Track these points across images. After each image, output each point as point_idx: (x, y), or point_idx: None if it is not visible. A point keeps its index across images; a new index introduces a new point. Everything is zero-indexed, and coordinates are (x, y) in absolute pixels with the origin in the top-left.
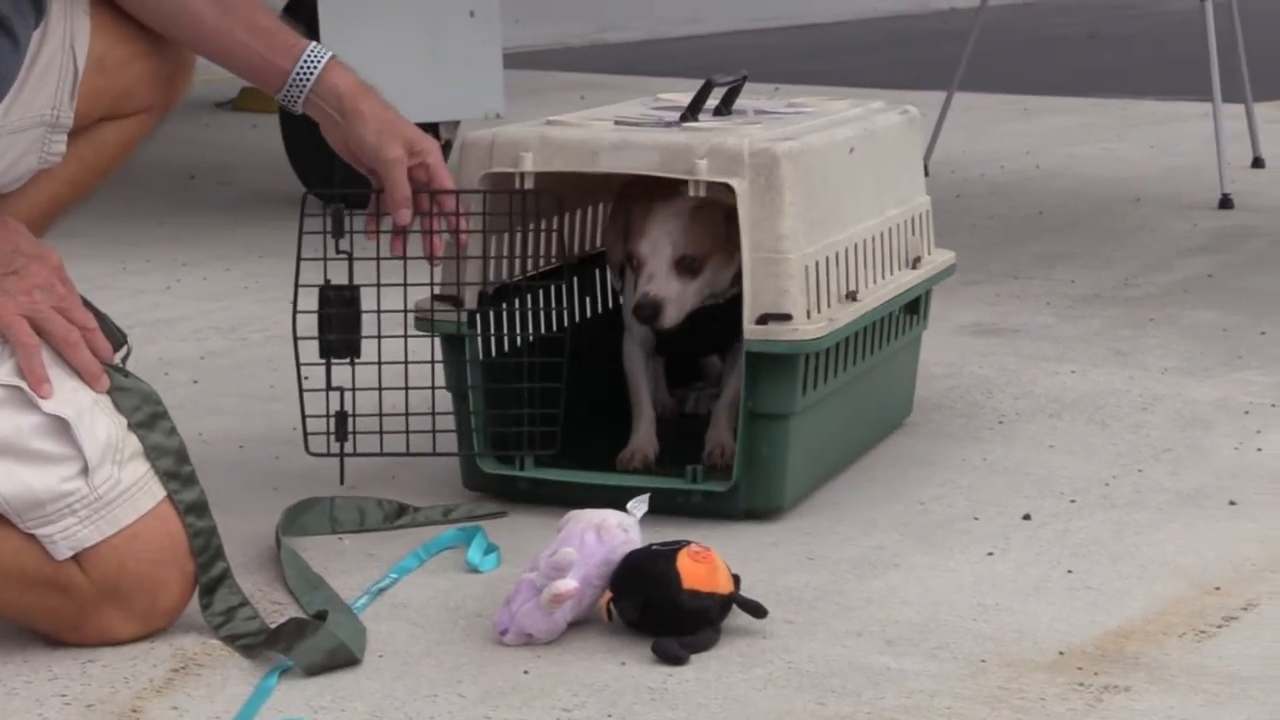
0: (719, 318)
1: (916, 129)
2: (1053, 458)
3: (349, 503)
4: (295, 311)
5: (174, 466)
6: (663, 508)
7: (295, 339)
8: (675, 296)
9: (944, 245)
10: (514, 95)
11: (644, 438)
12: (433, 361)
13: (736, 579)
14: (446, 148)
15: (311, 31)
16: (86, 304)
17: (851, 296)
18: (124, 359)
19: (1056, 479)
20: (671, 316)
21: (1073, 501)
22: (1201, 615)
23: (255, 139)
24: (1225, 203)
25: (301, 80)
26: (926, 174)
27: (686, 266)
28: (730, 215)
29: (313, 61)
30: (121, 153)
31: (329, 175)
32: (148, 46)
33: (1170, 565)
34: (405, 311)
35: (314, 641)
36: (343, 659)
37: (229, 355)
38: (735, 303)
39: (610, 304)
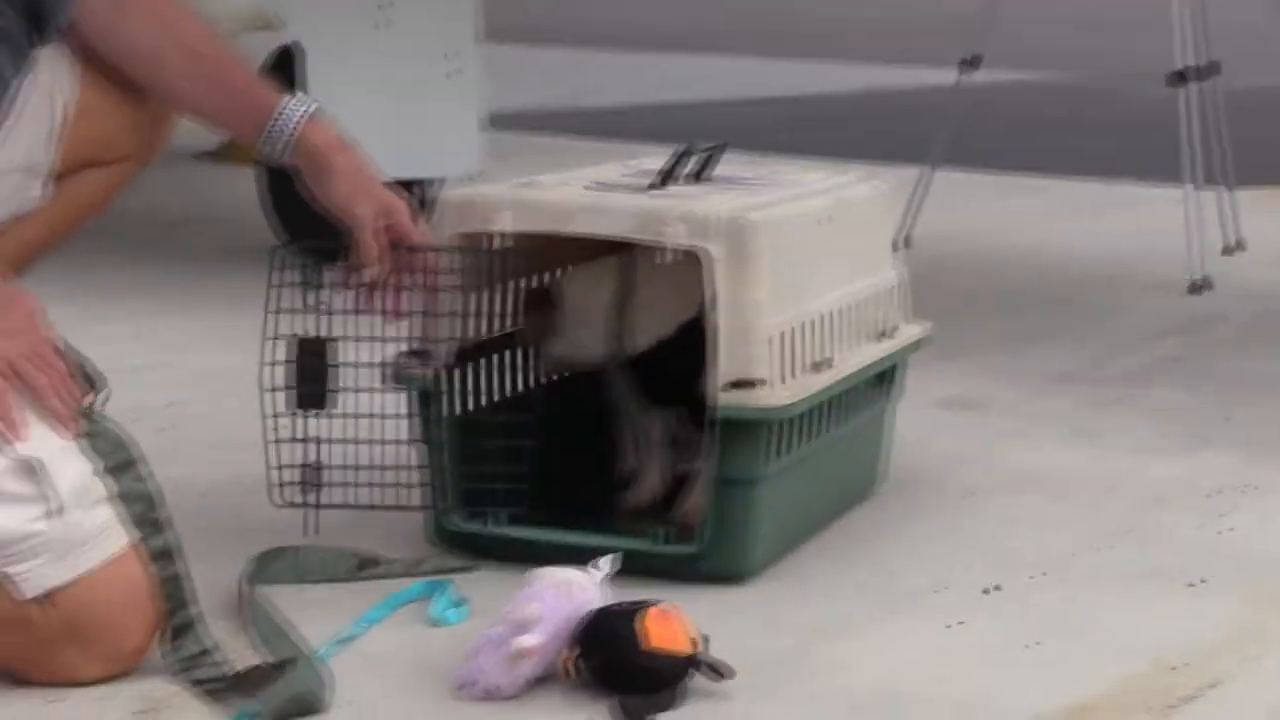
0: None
1: (888, 201)
2: (1019, 532)
3: (317, 552)
4: (263, 362)
5: (145, 511)
6: (630, 568)
7: (261, 390)
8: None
9: (920, 318)
10: (493, 156)
11: (650, 480)
12: (403, 416)
13: (706, 640)
14: (428, 207)
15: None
16: (66, 348)
17: (822, 365)
18: (103, 403)
19: (1022, 553)
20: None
21: (1037, 576)
22: (1164, 692)
23: (234, 191)
24: (1194, 287)
25: (275, 137)
26: (910, 245)
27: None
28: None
29: (287, 118)
30: (100, 200)
31: (306, 228)
32: (129, 97)
33: (1132, 642)
34: (378, 365)
35: (279, 688)
36: (307, 706)
37: (196, 404)
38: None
39: None
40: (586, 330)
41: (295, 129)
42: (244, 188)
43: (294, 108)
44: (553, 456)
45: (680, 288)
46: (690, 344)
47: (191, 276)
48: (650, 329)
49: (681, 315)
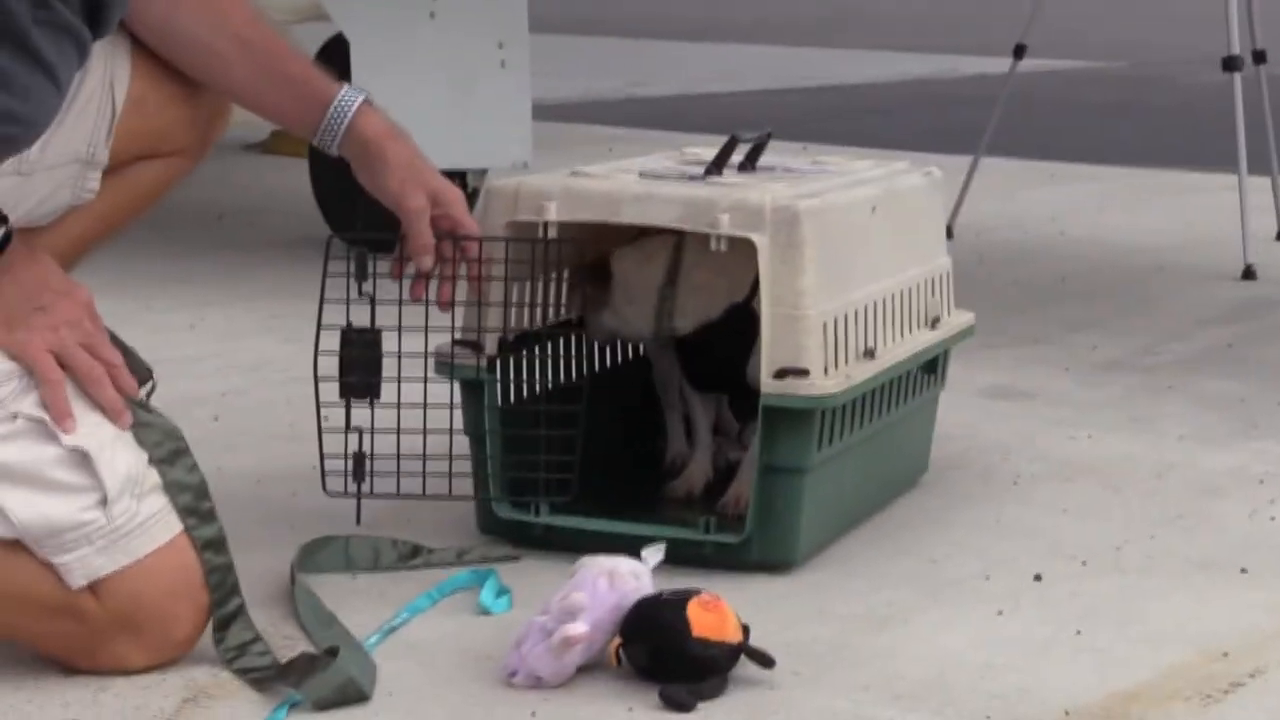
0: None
1: (939, 190)
2: (1065, 521)
3: (364, 542)
4: (317, 352)
5: (193, 502)
6: (675, 556)
7: (316, 379)
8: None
9: (965, 308)
10: (542, 146)
11: (699, 470)
12: (451, 405)
13: (746, 629)
14: (473, 196)
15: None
16: (114, 340)
17: (870, 354)
18: (149, 394)
19: (1068, 542)
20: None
21: (1084, 564)
22: (1209, 680)
23: (283, 182)
24: (1248, 274)
25: (333, 127)
26: (951, 236)
27: None
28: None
29: (344, 108)
30: (154, 192)
31: (346, 218)
32: (185, 90)
33: (1179, 630)
34: (426, 355)
35: (324, 677)
36: (352, 695)
37: (249, 394)
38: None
39: (630, 353)
40: (634, 307)
41: (349, 119)
42: (293, 179)
43: (349, 98)
44: (600, 445)
45: (728, 272)
46: (736, 329)
47: (243, 267)
48: (697, 311)
49: (728, 300)
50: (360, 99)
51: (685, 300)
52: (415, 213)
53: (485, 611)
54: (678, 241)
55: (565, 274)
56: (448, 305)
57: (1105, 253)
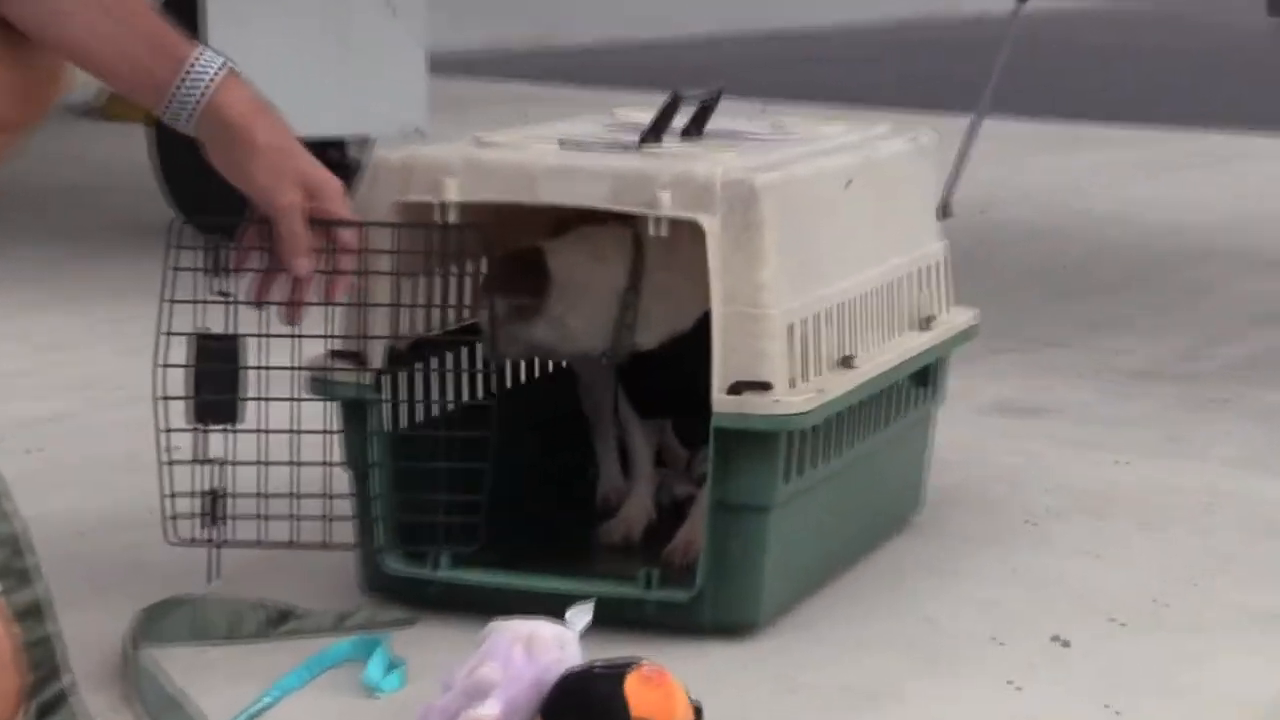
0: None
1: (929, 159)
2: (1093, 568)
3: (220, 605)
4: (159, 365)
5: (8, 559)
6: (610, 618)
7: (158, 400)
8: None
9: (967, 303)
10: (441, 109)
11: (639, 507)
12: (327, 432)
13: (698, 709)
14: (356, 170)
15: (194, 27)
16: None
17: (846, 363)
18: None
19: (1097, 594)
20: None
21: (1117, 622)
22: None
23: (122, 153)
24: None
25: (187, 99)
26: (949, 215)
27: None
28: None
29: (200, 76)
30: None
31: (201, 200)
32: (13, 54)
33: (1235, 701)
34: (295, 369)
35: None
36: None
37: (79, 418)
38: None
39: (550, 365)
40: (582, 318)
41: (208, 93)
42: (134, 149)
43: (206, 64)
44: (514, 480)
45: (698, 272)
46: (705, 343)
47: (71, 260)
48: (665, 321)
49: (702, 306)
50: (222, 67)
51: (651, 308)
52: (287, 210)
53: (373, 690)
54: (635, 233)
55: (469, 268)
56: (296, 310)
57: (1136, 234)
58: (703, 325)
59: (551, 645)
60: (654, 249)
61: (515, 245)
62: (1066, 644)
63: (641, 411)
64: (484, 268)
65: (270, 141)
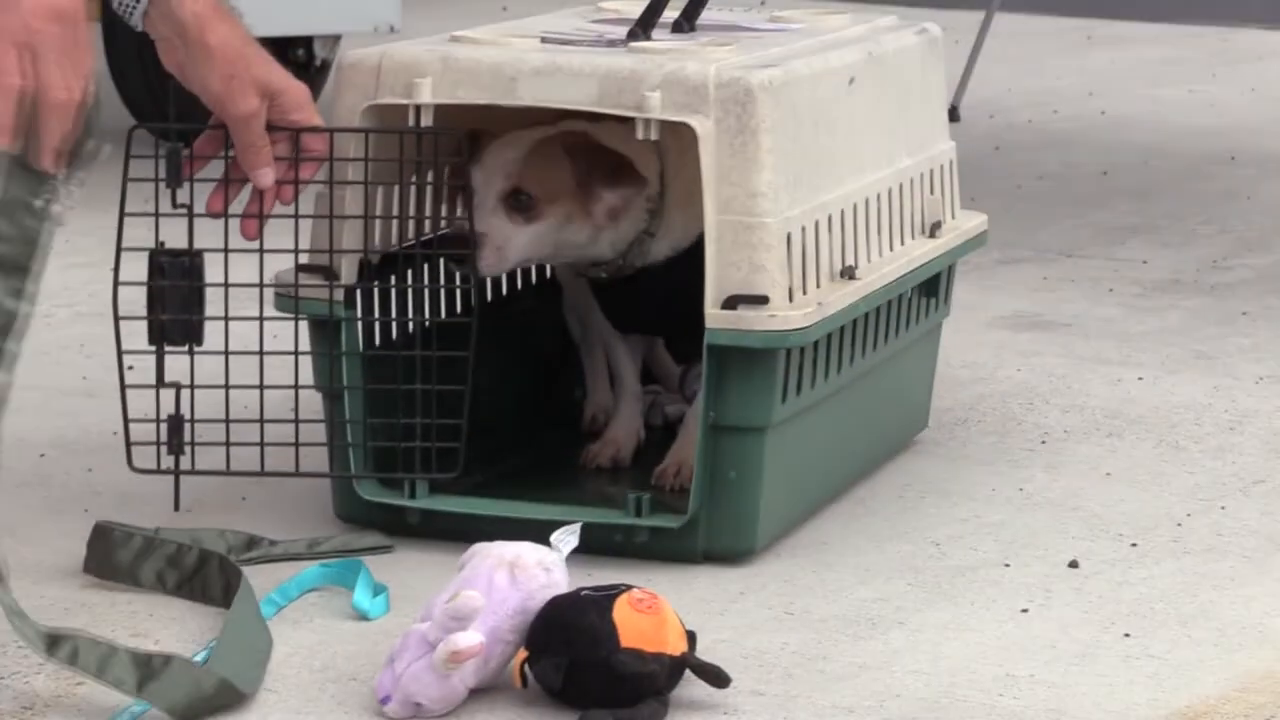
0: (667, 283)
1: (938, 54)
2: (1110, 489)
3: (181, 534)
4: (117, 283)
5: None
6: (599, 546)
7: (117, 319)
8: (500, 235)
9: (976, 209)
10: (413, 4)
11: (626, 426)
12: (296, 353)
13: (691, 637)
14: (323, 70)
15: None
16: None
17: (848, 274)
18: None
19: (1114, 516)
20: (489, 262)
21: (1134, 545)
22: None
23: None
24: None
25: None
26: (956, 119)
27: (518, 205)
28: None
29: None
30: None
31: (164, 103)
32: None
33: (1258, 629)
34: (262, 285)
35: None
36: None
37: (30, 337)
38: (696, 269)
39: (534, 276)
40: (625, 224)
41: None
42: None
43: None
44: (495, 400)
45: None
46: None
47: None
48: (680, 232)
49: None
50: None
51: (674, 217)
52: (245, 118)
53: (362, 616)
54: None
55: (446, 174)
56: (254, 224)
57: (1159, 138)
58: (700, 241)
59: (536, 570)
60: (672, 153)
61: (570, 136)
62: (1079, 566)
63: (618, 325)
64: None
65: (225, 43)
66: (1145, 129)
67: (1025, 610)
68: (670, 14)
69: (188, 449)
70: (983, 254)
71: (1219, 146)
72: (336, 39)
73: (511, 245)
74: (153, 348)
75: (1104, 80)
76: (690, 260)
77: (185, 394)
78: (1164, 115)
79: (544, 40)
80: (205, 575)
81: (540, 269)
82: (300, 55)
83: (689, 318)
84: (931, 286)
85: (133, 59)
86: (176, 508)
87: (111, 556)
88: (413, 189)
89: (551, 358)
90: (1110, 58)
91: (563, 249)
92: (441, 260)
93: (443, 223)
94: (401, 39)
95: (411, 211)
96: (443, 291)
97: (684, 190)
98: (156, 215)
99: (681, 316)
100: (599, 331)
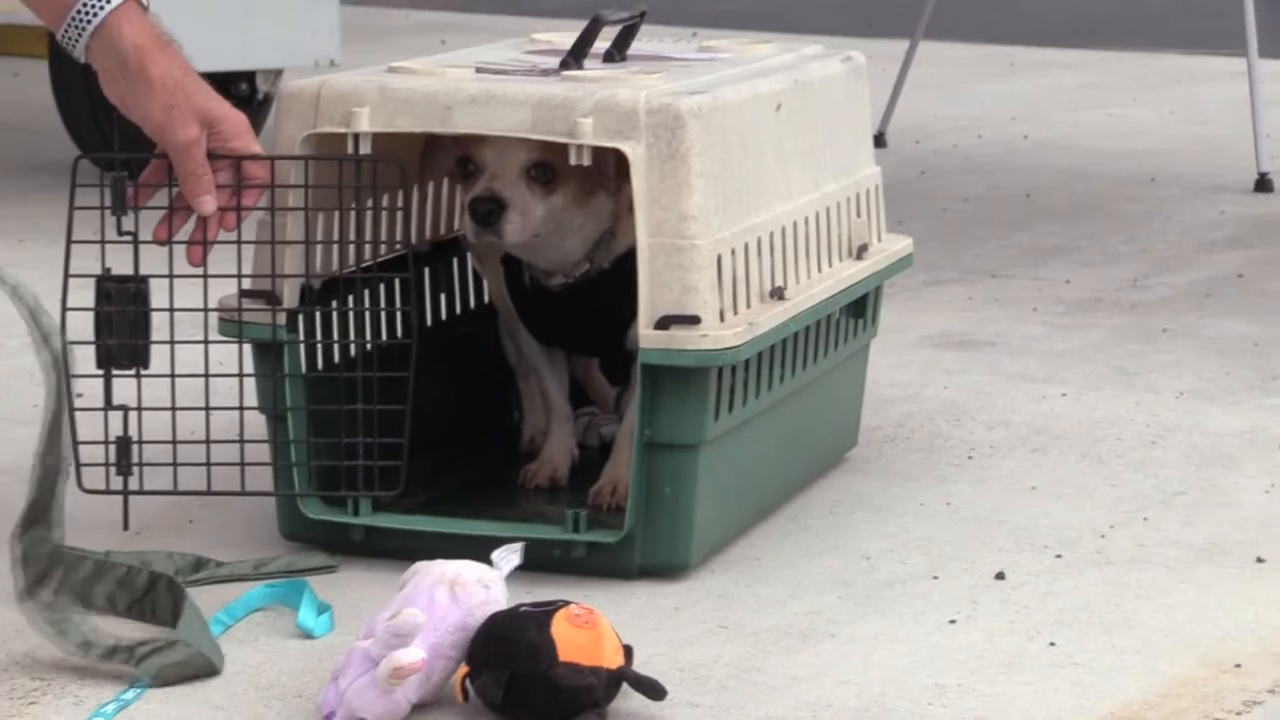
0: (604, 301)
1: (863, 81)
2: (1035, 502)
3: (131, 556)
4: (64, 309)
5: None
6: (539, 563)
7: (64, 344)
8: (523, 203)
9: (902, 232)
10: (353, 39)
11: (559, 446)
12: (240, 375)
13: (628, 651)
14: (266, 104)
15: None
16: None
17: (778, 294)
18: None
19: (1039, 529)
20: (515, 226)
21: (1058, 557)
22: (1218, 698)
23: (15, 89)
24: (1262, 184)
25: (81, 22)
26: (883, 144)
27: (539, 176)
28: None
29: (94, 3)
30: None
31: (108, 134)
32: None
33: (1180, 636)
34: (206, 310)
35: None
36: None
37: None
38: (626, 285)
39: (473, 301)
40: (589, 221)
41: (102, 16)
42: (30, 84)
43: None
44: (436, 421)
45: None
46: (627, 274)
47: None
48: (622, 240)
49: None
50: None
51: (625, 224)
52: (186, 146)
53: (307, 634)
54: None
55: (385, 201)
56: (228, 228)
57: (1081, 161)
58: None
59: (476, 587)
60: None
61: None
62: (1005, 577)
63: (539, 337)
64: (400, 201)
65: (165, 74)
66: (1067, 152)
67: (953, 621)
68: (601, 44)
69: (136, 470)
70: (910, 275)
71: (1139, 168)
72: (279, 73)
73: (532, 214)
74: (100, 372)
75: (1027, 105)
76: (613, 275)
77: (133, 416)
78: (1085, 139)
79: (478, 70)
80: (155, 596)
81: (479, 293)
82: (243, 89)
83: (613, 332)
84: (859, 307)
85: (78, 90)
86: (125, 527)
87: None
88: (352, 214)
89: (488, 380)
90: (1032, 83)
91: (556, 234)
92: (469, 219)
93: (381, 247)
94: (341, 71)
95: (351, 236)
96: (383, 314)
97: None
98: (103, 242)
99: (606, 331)
100: (526, 352)
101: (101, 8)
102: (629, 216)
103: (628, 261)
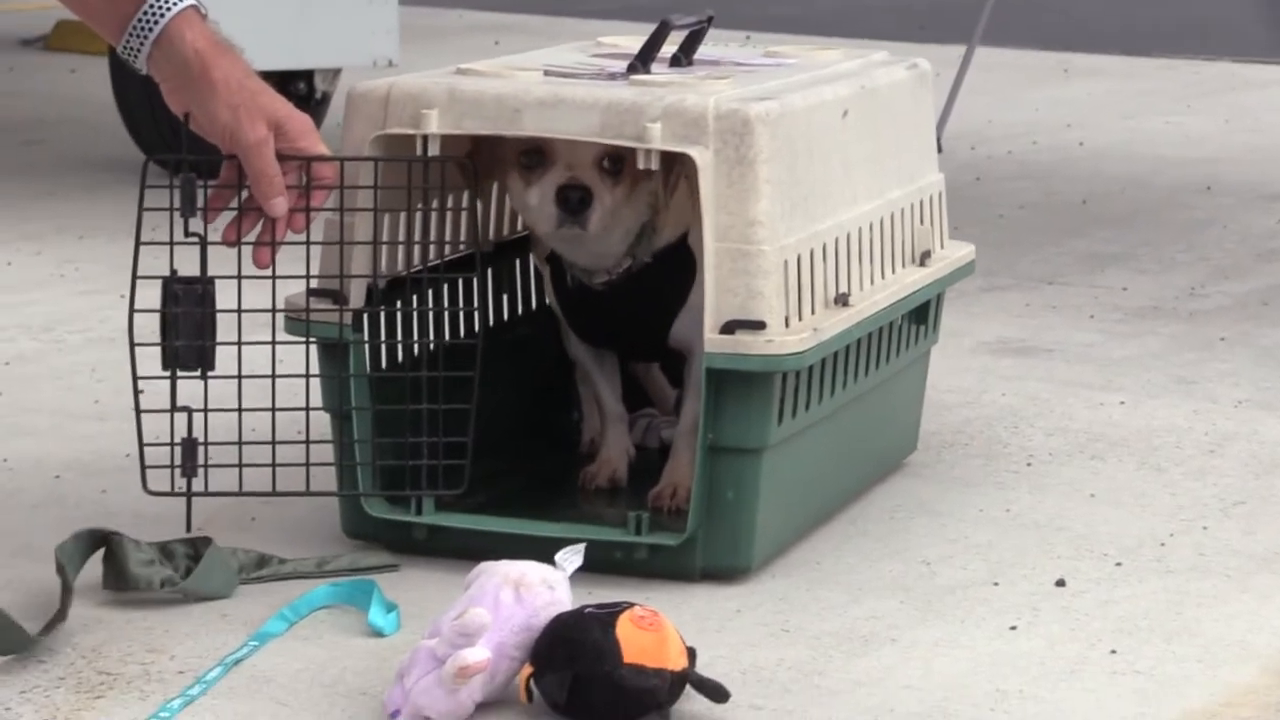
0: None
1: (928, 88)
2: (1094, 510)
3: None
4: (132, 310)
5: None
6: (599, 564)
7: (132, 345)
8: (602, 193)
9: (962, 239)
10: (410, 38)
11: (616, 447)
12: (307, 375)
13: (692, 653)
14: (324, 103)
15: None
16: None
17: (842, 300)
18: None
19: (1098, 536)
20: (599, 215)
21: (1119, 564)
22: (1278, 707)
23: (75, 86)
24: None
25: (142, 31)
26: (940, 150)
27: (610, 168)
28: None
29: (159, 8)
30: None
31: (175, 135)
32: None
33: (1240, 645)
34: (274, 311)
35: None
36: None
37: (41, 361)
38: (666, 280)
39: (534, 302)
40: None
41: (163, 24)
42: (90, 84)
43: None
44: (500, 421)
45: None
46: (675, 269)
47: (27, 200)
48: (661, 237)
49: (684, 225)
50: (178, 3)
51: (666, 219)
52: (255, 146)
53: (377, 633)
54: None
55: (451, 201)
56: (266, 254)
57: (1137, 168)
58: (674, 250)
59: (541, 588)
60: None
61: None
62: (1065, 584)
63: (587, 340)
64: (464, 201)
65: (228, 76)
66: (1123, 159)
67: (1014, 627)
68: (669, 49)
69: (200, 471)
70: (966, 281)
71: (1195, 176)
72: (337, 72)
73: (605, 205)
74: (166, 373)
75: (1082, 112)
76: (654, 270)
77: (198, 418)
78: (1141, 146)
79: (546, 73)
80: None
81: (539, 294)
82: (301, 88)
83: (657, 329)
84: (922, 314)
85: (137, 87)
86: (189, 529)
87: (126, 568)
88: (419, 215)
89: (548, 380)
90: (1087, 90)
91: (612, 227)
92: (557, 206)
93: (447, 248)
94: (399, 73)
95: (418, 237)
96: (447, 314)
97: (680, 197)
98: (171, 244)
99: (650, 329)
100: (575, 354)
101: (162, 15)
102: (668, 209)
103: (667, 255)
